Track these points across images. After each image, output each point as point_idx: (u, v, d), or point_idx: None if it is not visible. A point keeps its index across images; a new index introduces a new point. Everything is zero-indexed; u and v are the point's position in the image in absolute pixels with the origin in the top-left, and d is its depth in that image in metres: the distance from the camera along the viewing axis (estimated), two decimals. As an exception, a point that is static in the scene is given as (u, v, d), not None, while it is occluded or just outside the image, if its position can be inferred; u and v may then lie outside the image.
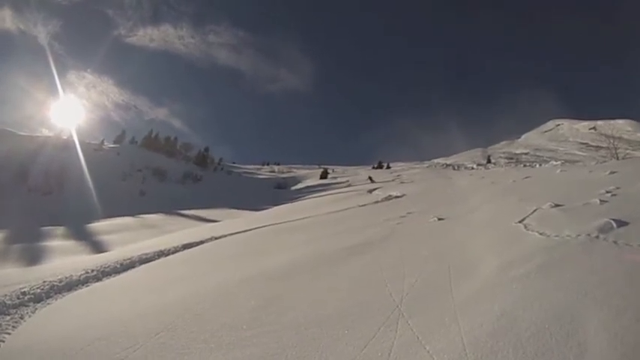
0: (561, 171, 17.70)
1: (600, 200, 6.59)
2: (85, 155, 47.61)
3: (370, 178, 34.47)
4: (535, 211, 7.01)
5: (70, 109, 76.98)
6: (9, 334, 5.39)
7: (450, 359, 2.92)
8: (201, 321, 4.99)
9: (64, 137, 57.81)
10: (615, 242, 4.23)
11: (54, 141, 54.51)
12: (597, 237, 4.51)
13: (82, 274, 8.88)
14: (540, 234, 5.35)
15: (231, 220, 23.27)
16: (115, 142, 68.99)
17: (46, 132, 63.24)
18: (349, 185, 49.03)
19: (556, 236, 5.00)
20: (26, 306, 6.75)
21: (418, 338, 3.42)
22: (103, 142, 64.39)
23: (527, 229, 5.80)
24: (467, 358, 2.85)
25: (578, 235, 4.71)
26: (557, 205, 7.00)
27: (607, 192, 7.42)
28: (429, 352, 3.14)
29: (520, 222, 6.35)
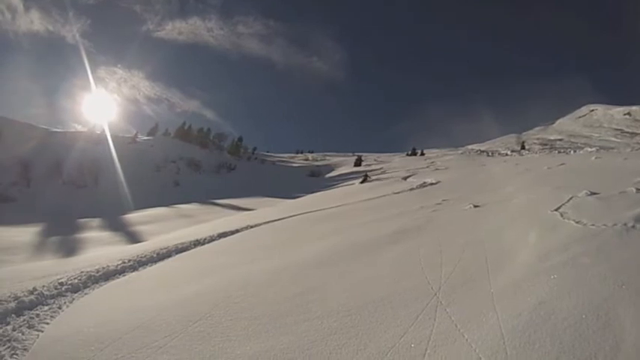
0: (596, 158, 17.41)
1: (636, 189, 6.51)
2: (118, 148, 48.17)
3: (366, 175, 33.26)
4: (571, 199, 6.94)
5: (102, 105, 78.16)
6: (47, 323, 5.50)
7: (488, 348, 2.97)
8: (240, 309, 5.06)
9: (98, 132, 58.54)
10: (651, 232, 4.20)
11: (87, 136, 55.24)
12: (633, 226, 4.49)
13: (118, 264, 9.01)
14: (576, 223, 5.31)
15: (266, 209, 23.34)
16: (148, 135, 69.39)
17: (79, 128, 64.31)
18: (383, 172, 48.71)
19: (592, 225, 4.97)
20: (64, 296, 6.83)
21: (456, 326, 3.46)
22: (136, 134, 64.93)
23: (564, 218, 5.76)
24: (505, 347, 2.89)
25: (615, 225, 4.68)
26: (592, 194, 6.93)
27: (643, 180, 7.31)
28: (467, 340, 3.19)
29: (556, 210, 6.29)
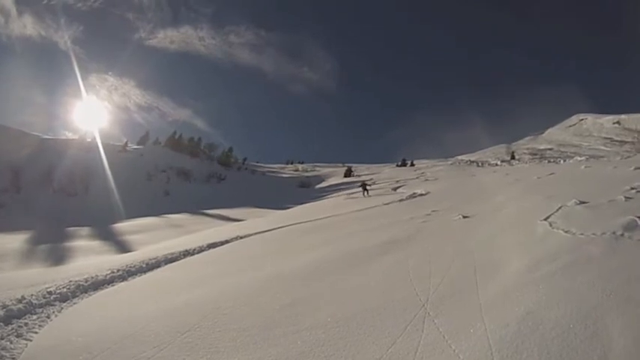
0: (586, 167, 17.54)
1: (625, 197, 6.55)
2: (109, 157, 48.06)
3: (364, 185, 33.01)
4: (560, 208, 6.96)
5: (93, 112, 77.72)
6: (36, 333, 5.48)
7: (476, 358, 2.96)
8: (228, 320, 5.04)
9: (88, 140, 58.29)
10: (640, 241, 4.22)
11: (78, 143, 54.99)
12: (622, 235, 4.50)
13: (107, 274, 8.98)
14: (565, 232, 5.33)
15: (256, 220, 23.34)
16: (138, 144, 69.24)
17: (69, 135, 64.01)
18: (374, 183, 48.98)
19: (581, 234, 4.99)
20: (52, 305, 6.82)
21: (444, 337, 3.46)
22: (126, 143, 64.69)
23: (553, 227, 5.77)
24: (492, 357, 2.89)
25: (603, 234, 4.70)
26: (582, 203, 6.95)
27: (632, 188, 7.37)
28: (454, 351, 3.18)
29: (545, 220, 6.31)
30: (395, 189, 30.90)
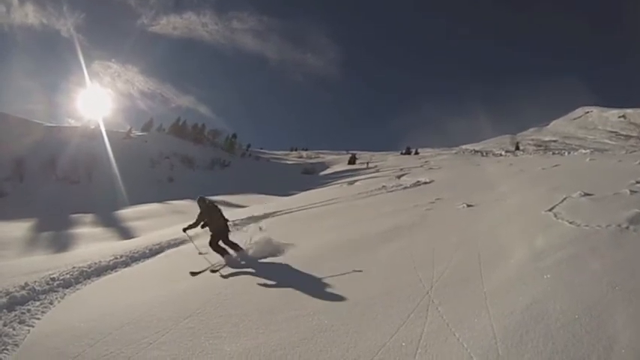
0: (590, 160, 17.45)
1: (630, 190, 6.51)
2: (113, 144, 48.25)
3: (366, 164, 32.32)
4: (565, 199, 6.92)
5: (96, 99, 78.23)
6: (39, 319, 5.49)
7: (480, 347, 2.94)
8: (231, 305, 5.06)
9: (92, 127, 58.45)
10: (645, 233, 4.19)
11: (82, 131, 55.13)
12: (627, 228, 4.48)
13: (110, 260, 8.99)
14: (570, 223, 5.30)
15: (259, 206, 23.28)
16: (142, 130, 69.30)
17: (73, 122, 64.19)
18: (377, 170, 48.91)
19: (586, 226, 4.96)
20: (55, 291, 6.82)
21: (448, 325, 3.44)
22: (130, 130, 64.83)
23: (557, 218, 5.75)
24: (497, 346, 2.86)
25: (608, 226, 4.67)
26: (586, 194, 6.92)
27: (637, 182, 7.34)
28: (458, 339, 3.16)
29: (550, 210, 6.28)
30: (399, 177, 30.76)
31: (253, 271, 6.76)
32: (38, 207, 29.15)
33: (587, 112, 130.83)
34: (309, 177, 61.58)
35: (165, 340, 4.21)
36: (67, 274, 7.71)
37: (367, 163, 51.05)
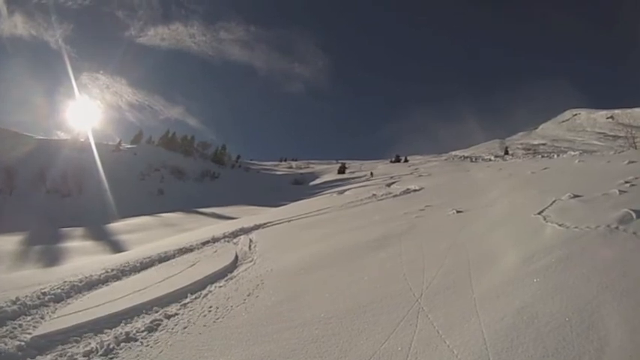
0: (579, 161, 17.56)
1: (619, 191, 6.53)
2: (102, 156, 47.96)
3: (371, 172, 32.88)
4: (554, 202, 6.95)
5: (85, 111, 77.44)
6: (30, 334, 5.37)
7: (471, 353, 2.92)
8: (220, 317, 5.03)
9: (81, 139, 58.21)
10: (635, 233, 4.21)
11: (71, 143, 54.95)
12: (617, 228, 4.49)
13: (102, 274, 8.86)
14: (560, 225, 5.31)
15: (250, 217, 23.27)
16: (132, 143, 69.07)
17: (62, 135, 63.91)
18: (368, 179, 49.04)
19: (575, 228, 4.97)
20: (47, 306, 6.69)
21: (438, 332, 3.42)
22: (120, 142, 64.60)
23: (547, 221, 5.76)
24: (487, 352, 2.85)
25: (598, 227, 4.68)
26: (576, 196, 6.95)
27: (626, 182, 7.36)
28: (449, 346, 3.14)
29: (539, 214, 6.30)
30: (389, 184, 30.80)
31: (242, 282, 6.72)
32: (29, 220, 28.87)
33: (576, 115, 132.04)
34: (300, 187, 61.44)
35: (154, 353, 4.17)
36: (58, 288, 7.59)
37: (371, 172, 52.21)
